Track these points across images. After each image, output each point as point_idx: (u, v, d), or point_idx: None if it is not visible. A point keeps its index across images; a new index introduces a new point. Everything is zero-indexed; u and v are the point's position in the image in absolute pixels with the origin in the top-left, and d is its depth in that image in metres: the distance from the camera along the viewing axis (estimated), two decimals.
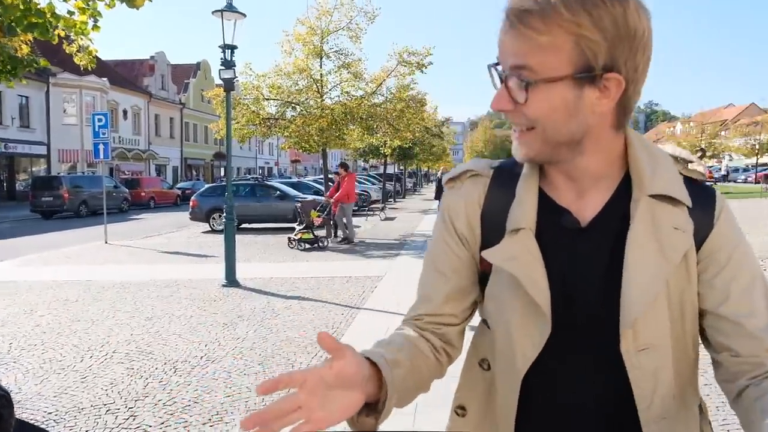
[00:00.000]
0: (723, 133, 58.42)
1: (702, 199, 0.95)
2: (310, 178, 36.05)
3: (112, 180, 28.13)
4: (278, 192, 17.85)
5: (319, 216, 12.96)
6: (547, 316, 0.94)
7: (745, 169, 54.03)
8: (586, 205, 0.97)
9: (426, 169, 61.75)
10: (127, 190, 28.42)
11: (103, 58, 30.39)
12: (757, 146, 49.61)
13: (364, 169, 65.66)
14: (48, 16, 4.03)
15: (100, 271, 10.04)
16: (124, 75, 42.27)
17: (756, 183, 43.60)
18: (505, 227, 0.98)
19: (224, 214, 9.23)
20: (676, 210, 0.92)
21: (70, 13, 4.28)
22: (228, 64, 10.05)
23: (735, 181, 52.07)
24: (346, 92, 16.33)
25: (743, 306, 0.93)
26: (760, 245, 11.76)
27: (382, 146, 24.68)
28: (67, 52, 4.81)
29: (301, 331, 5.98)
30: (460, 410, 1.09)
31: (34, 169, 34.24)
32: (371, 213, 23.80)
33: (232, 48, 10.06)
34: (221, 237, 9.45)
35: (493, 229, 1.01)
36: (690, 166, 0.99)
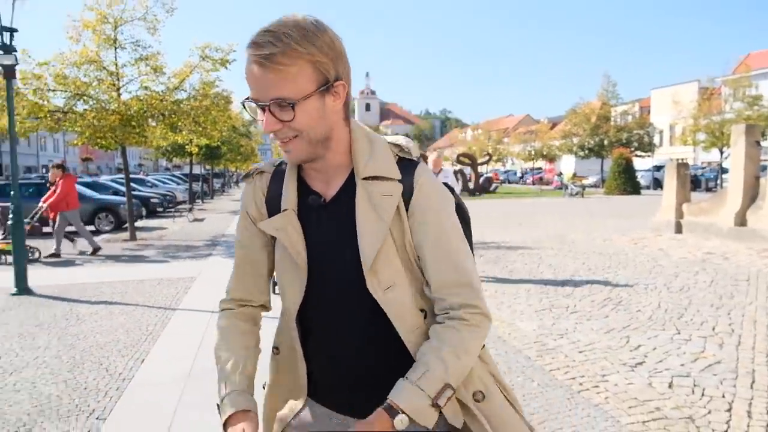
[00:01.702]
0: (505, 139, 65.76)
1: (408, 170, 1.30)
2: (106, 177, 33.13)
3: None
4: None
5: (28, 223, 10.80)
6: (304, 270, 1.30)
7: (523, 173, 61.21)
8: (330, 189, 1.32)
9: (234, 169, 60.33)
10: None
11: None
12: (532, 152, 56.66)
13: (167, 168, 62.00)
14: None
15: None
16: None
17: (533, 185, 50.01)
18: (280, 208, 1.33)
19: (11, 216, 8.29)
20: (385, 182, 1.26)
21: None
22: (8, 49, 9.03)
23: (516, 183, 58.90)
24: (146, 87, 15.46)
25: (436, 250, 1.27)
26: (538, 237, 13.64)
27: (188, 144, 23.68)
28: None
29: (112, 335, 5.68)
30: (275, 350, 1.43)
31: None
32: (178, 214, 22.75)
33: (12, 31, 9.07)
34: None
35: (274, 211, 1.35)
36: (402, 152, 1.33)
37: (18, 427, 3.66)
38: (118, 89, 14.73)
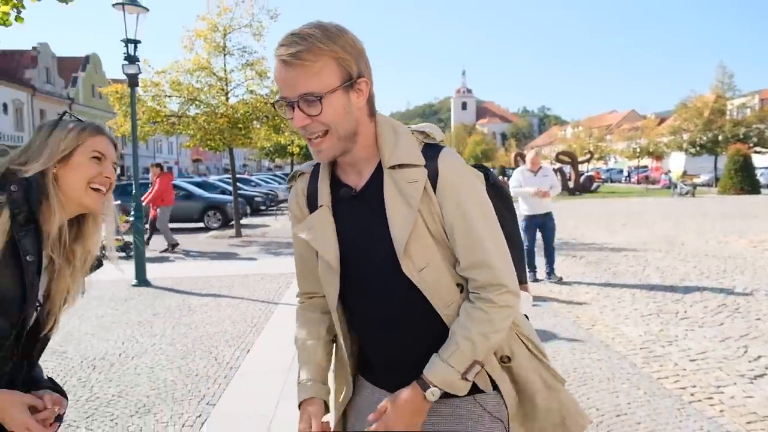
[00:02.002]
0: (608, 137, 62.87)
1: (433, 155, 1.34)
2: (214, 177, 35.07)
3: None
4: (184, 191, 17.39)
5: (126, 221, 11.51)
6: (337, 268, 1.38)
7: (629, 172, 58.31)
8: (361, 180, 1.38)
9: None
10: None
11: None
12: (638, 149, 53.81)
13: (269, 168, 64.60)
14: None
15: None
16: (3, 67, 39.15)
17: (638, 183, 47.48)
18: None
19: (132, 213, 8.98)
20: (410, 169, 1.31)
21: None
22: (131, 59, 9.77)
23: (620, 182, 56.19)
24: (251, 90, 16.19)
25: (460, 231, 1.31)
26: (643, 238, 12.95)
27: (289, 145, 24.54)
28: None
29: (220, 326, 6.02)
30: (333, 338, 1.54)
31: None
32: (280, 212, 23.68)
33: (135, 42, 9.79)
34: (127, 237, 9.16)
35: (313, 209, 1.43)
36: (427, 138, 1.38)
37: (138, 407, 3.97)
38: (227, 93, 15.54)
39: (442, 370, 1.28)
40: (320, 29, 1.24)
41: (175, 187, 18.04)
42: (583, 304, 6.69)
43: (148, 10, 9.74)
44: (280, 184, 31.50)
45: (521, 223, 7.91)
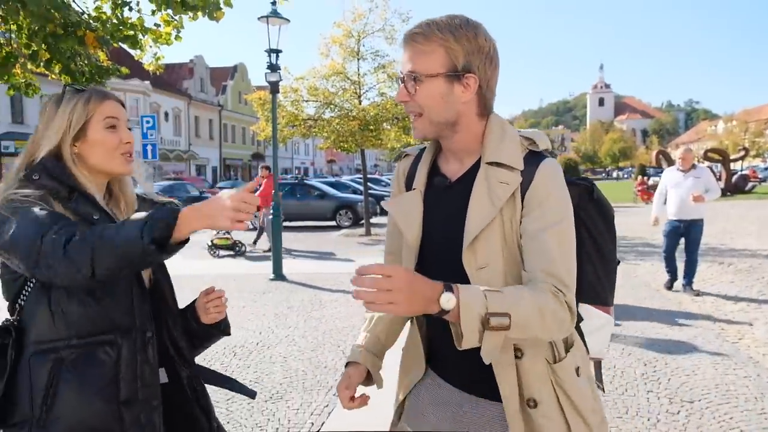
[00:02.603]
0: (767, 131, 56.74)
1: (533, 163, 1.33)
2: (347, 177, 36.45)
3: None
4: (318, 191, 18.25)
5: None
6: (415, 248, 1.42)
7: None
8: (460, 170, 1.41)
9: None
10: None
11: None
12: None
13: None
14: (139, 29, 4.50)
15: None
16: (165, 78, 43.43)
17: None
18: None
19: (271, 212, 9.62)
20: (505, 171, 1.32)
21: (157, 25, 4.73)
22: (273, 68, 10.45)
23: None
24: (382, 93, 16.63)
25: (534, 243, 1.28)
26: None
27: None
28: (136, 59, 5.21)
29: (348, 321, 6.29)
30: (411, 320, 1.55)
31: None
32: None
33: (277, 52, 10.46)
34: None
35: (409, 190, 1.48)
36: (533, 145, 1.37)
37: (272, 394, 4.28)
38: (359, 97, 16.09)
39: (475, 295, 1.17)
40: (448, 19, 1.31)
41: (310, 187, 19.04)
42: (730, 316, 6.15)
43: (289, 21, 10.38)
44: None
45: (665, 226, 7.41)
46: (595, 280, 1.52)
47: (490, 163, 1.34)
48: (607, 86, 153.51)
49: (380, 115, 15.87)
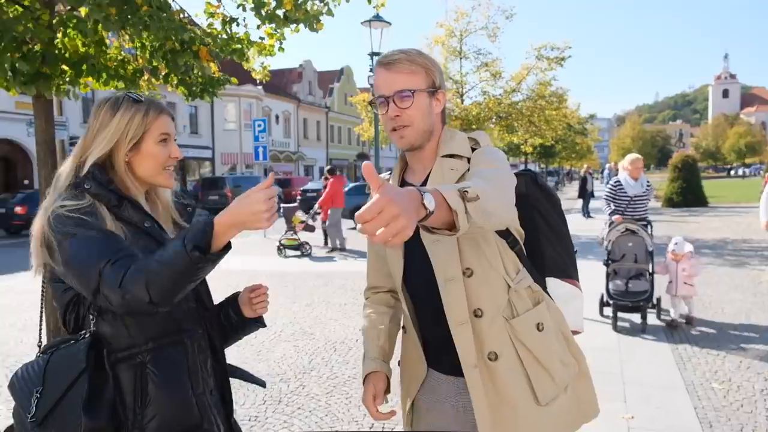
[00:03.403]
0: None
1: (461, 151, 1.59)
2: None
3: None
4: None
5: (301, 222, 12.24)
6: (400, 248, 1.60)
7: None
8: (423, 174, 1.62)
9: (569, 167, 59.57)
10: (280, 189, 30.59)
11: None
12: None
13: None
14: (245, 43, 4.85)
15: (260, 262, 11.11)
16: (275, 83, 45.48)
17: None
18: None
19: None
20: (455, 160, 1.56)
21: (261, 38, 5.07)
22: None
23: None
24: (485, 92, 16.43)
25: (476, 174, 1.42)
26: None
27: (522, 144, 24.36)
28: (245, 68, 5.55)
29: None
30: (403, 329, 1.76)
31: (201, 170, 37.96)
32: None
33: (378, 55, 10.69)
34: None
35: None
36: (476, 144, 1.61)
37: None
38: (461, 96, 16.05)
39: (442, 186, 1.25)
40: (416, 50, 1.59)
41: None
42: None
43: (390, 24, 10.59)
44: None
45: None
46: (556, 255, 1.72)
47: (444, 156, 1.58)
48: (733, 76, 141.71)
49: (482, 114, 15.73)
